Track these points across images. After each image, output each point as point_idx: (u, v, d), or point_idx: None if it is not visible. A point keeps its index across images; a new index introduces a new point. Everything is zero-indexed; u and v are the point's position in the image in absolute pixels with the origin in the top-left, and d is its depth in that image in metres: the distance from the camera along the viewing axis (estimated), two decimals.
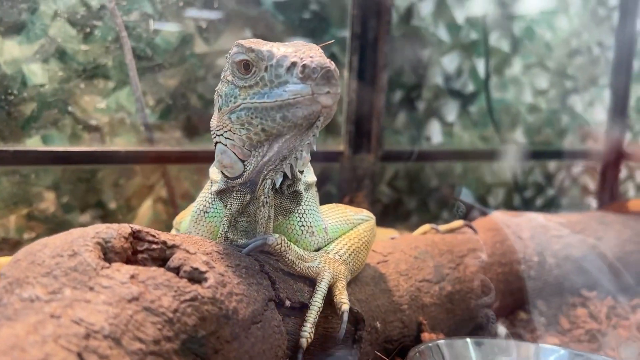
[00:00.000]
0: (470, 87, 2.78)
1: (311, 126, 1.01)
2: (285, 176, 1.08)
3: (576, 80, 3.07)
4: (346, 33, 2.24)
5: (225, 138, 1.07)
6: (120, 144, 1.98)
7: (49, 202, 1.96)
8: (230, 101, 1.04)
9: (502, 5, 2.82)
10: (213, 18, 2.08)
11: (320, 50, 1.00)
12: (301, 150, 1.05)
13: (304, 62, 0.96)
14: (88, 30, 1.88)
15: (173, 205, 2.10)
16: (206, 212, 1.20)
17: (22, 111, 1.84)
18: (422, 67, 2.64)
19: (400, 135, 2.63)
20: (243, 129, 1.03)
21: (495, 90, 2.83)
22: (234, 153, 1.06)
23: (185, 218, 1.31)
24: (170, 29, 2.02)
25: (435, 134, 2.73)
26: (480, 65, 2.78)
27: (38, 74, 1.86)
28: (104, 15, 1.89)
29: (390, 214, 2.62)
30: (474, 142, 2.81)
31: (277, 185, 1.08)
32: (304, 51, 0.98)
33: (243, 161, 1.07)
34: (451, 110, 2.75)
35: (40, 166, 1.90)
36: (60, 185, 1.96)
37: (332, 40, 1.19)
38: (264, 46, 1.01)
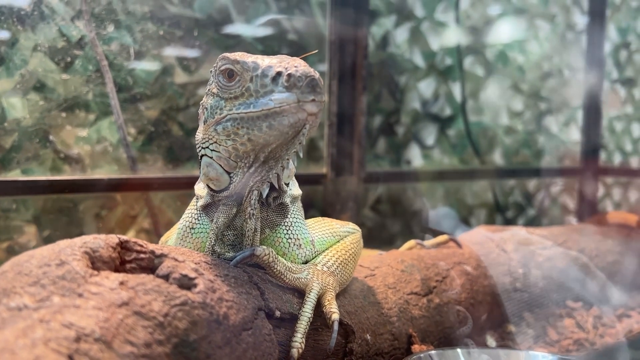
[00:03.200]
0: (448, 111, 2.83)
1: (297, 134, 1.02)
2: (271, 188, 1.09)
3: (550, 101, 3.14)
4: (325, 59, 2.28)
5: (211, 150, 1.07)
6: (102, 175, 1.97)
7: (30, 235, 1.93)
8: (216, 113, 1.05)
9: (475, 33, 2.89)
10: (193, 48, 2.11)
11: (304, 62, 1.02)
12: (287, 159, 1.06)
13: (289, 72, 0.98)
14: (69, 59, 1.89)
15: (157, 235, 2.08)
16: (192, 228, 1.18)
17: (1, 144, 1.82)
18: (399, 92, 2.68)
19: (382, 160, 2.65)
20: (229, 139, 1.03)
21: (472, 114, 2.88)
22: (220, 165, 1.07)
23: (170, 237, 1.29)
24: (150, 59, 2.03)
25: (415, 157, 2.76)
26: (456, 90, 2.83)
27: (18, 106, 1.84)
28: (84, 45, 1.90)
29: (374, 237, 2.62)
30: (454, 165, 2.85)
31: (264, 195, 1.08)
32: (288, 62, 1.00)
33: (229, 173, 1.07)
34: (430, 134, 2.79)
35: (21, 196, 1.87)
36: (41, 218, 1.93)
37: (316, 50, 1.22)
38: (249, 58, 1.03)
